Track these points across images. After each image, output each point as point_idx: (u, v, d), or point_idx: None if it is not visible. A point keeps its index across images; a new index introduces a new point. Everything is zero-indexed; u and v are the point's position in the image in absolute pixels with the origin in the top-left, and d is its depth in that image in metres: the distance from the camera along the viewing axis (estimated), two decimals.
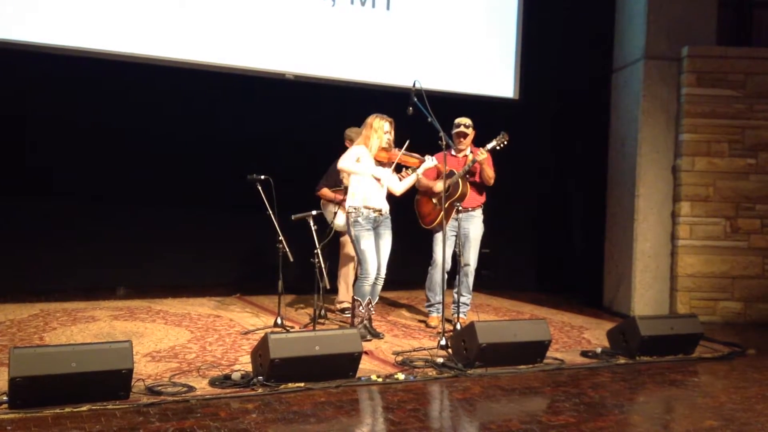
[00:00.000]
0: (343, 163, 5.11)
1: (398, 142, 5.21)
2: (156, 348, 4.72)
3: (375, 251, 5.13)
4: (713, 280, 6.65)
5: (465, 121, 5.75)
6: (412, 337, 5.40)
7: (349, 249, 6.08)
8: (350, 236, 5.24)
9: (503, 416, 3.57)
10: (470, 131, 5.76)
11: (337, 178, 6.05)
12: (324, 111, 7.16)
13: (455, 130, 5.73)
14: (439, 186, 5.54)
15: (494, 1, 7.67)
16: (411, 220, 5.90)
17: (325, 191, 6.07)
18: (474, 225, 5.79)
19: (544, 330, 4.60)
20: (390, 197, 5.29)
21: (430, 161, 5.21)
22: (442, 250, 5.34)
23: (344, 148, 5.98)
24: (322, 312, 5.73)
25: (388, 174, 5.17)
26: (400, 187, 5.29)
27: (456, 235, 5.62)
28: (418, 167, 5.23)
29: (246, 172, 5.39)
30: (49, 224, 6.80)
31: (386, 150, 5.15)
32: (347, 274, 6.19)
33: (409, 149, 5.21)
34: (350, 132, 5.98)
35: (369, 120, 5.19)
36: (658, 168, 6.79)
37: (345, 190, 5.43)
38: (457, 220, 5.57)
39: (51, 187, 6.75)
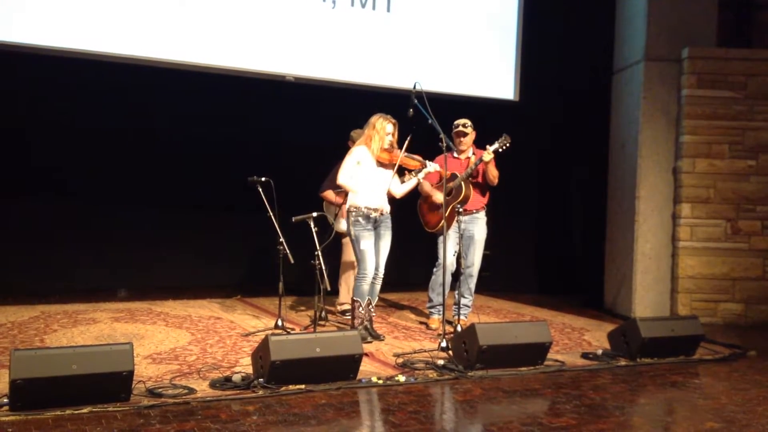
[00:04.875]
0: (342, 179, 5.13)
1: (400, 143, 5.20)
2: (157, 350, 4.72)
3: (374, 251, 5.14)
4: (714, 281, 6.65)
5: (464, 120, 5.77)
6: (412, 338, 5.40)
7: (350, 251, 6.07)
8: (350, 235, 5.25)
9: (504, 418, 3.57)
10: (469, 130, 5.76)
11: None
12: (324, 113, 7.17)
13: (454, 130, 5.74)
14: (438, 196, 5.55)
15: (494, 3, 7.67)
16: (413, 221, 5.90)
17: (329, 193, 6.07)
18: (478, 227, 5.78)
19: (545, 332, 4.60)
20: (391, 198, 5.29)
21: (431, 167, 5.22)
22: (447, 252, 5.34)
23: (347, 149, 5.99)
24: (323, 314, 5.72)
25: (388, 178, 5.18)
26: (400, 190, 5.30)
27: (460, 237, 5.62)
28: (419, 170, 5.23)
29: (247, 173, 5.39)
30: (49, 226, 6.80)
31: (388, 151, 5.15)
32: (348, 275, 6.19)
33: (411, 149, 5.20)
34: (354, 134, 5.98)
35: (372, 120, 5.19)
36: (659, 169, 6.79)
37: (346, 195, 5.43)
38: (459, 222, 5.57)
39: (52, 189, 6.75)
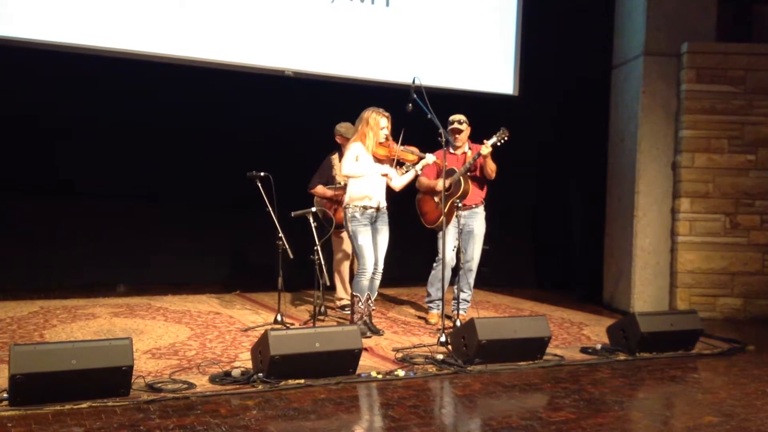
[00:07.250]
0: (348, 169, 5.08)
1: (394, 136, 5.18)
2: (156, 345, 4.72)
3: (372, 246, 5.14)
4: (713, 276, 6.66)
5: (459, 117, 5.75)
6: (412, 333, 5.40)
7: (344, 245, 6.07)
8: (347, 231, 5.25)
9: (503, 412, 3.57)
10: (464, 127, 5.75)
11: (330, 175, 6.04)
12: (324, 108, 7.13)
13: (449, 127, 5.72)
14: (440, 184, 5.53)
15: None
16: (411, 217, 5.90)
17: (319, 188, 6.04)
18: (478, 222, 5.79)
19: (544, 326, 4.60)
20: (389, 193, 5.28)
21: (429, 158, 5.21)
22: (447, 247, 5.34)
23: (335, 144, 5.99)
24: (322, 309, 5.73)
25: (391, 171, 5.17)
26: (399, 182, 5.28)
27: (459, 232, 5.62)
28: (416, 163, 5.22)
29: (246, 168, 5.39)
30: (49, 221, 6.80)
31: (385, 146, 5.13)
32: (342, 270, 6.17)
33: (406, 142, 5.18)
34: (340, 127, 5.97)
35: (365, 115, 5.13)
36: (658, 164, 6.79)
37: (343, 189, 5.42)
38: (458, 217, 5.57)
39: (50, 185, 6.74)
